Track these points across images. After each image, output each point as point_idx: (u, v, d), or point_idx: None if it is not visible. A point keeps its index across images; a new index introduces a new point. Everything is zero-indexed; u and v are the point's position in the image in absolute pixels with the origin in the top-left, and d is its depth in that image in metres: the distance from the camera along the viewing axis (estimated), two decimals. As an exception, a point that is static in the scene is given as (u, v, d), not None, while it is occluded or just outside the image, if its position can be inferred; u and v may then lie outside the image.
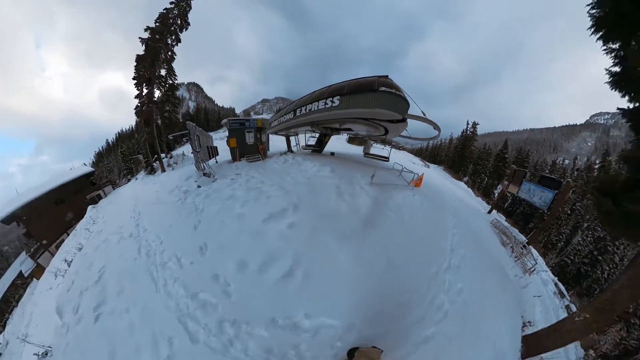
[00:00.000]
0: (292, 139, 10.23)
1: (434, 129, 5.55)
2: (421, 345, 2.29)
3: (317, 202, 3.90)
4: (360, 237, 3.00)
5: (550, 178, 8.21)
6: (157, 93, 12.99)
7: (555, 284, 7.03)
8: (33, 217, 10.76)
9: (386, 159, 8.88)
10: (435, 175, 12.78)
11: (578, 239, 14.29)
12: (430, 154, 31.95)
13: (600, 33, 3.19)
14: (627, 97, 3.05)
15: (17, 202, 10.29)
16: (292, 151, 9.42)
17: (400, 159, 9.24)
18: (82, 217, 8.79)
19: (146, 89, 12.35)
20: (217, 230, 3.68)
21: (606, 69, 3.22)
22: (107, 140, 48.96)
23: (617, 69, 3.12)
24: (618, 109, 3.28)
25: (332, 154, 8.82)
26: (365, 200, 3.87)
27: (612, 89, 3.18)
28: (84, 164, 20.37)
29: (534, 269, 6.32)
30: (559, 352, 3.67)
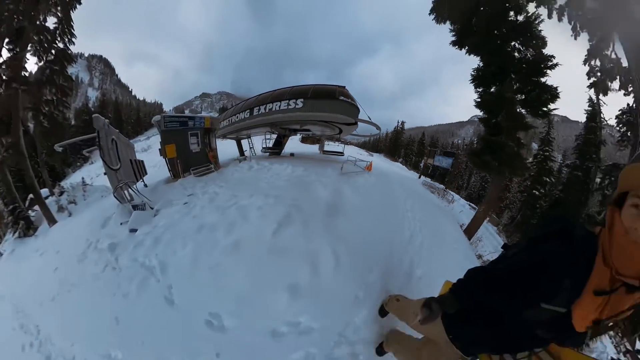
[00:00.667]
0: (243, 142, 9.46)
1: (376, 129, 7.05)
2: (421, 277, 2.70)
3: (312, 198, 3.69)
4: (356, 213, 3.52)
5: (450, 152, 15.89)
6: (32, 63, 6.89)
7: (468, 204, 13.22)
8: None
9: (341, 153, 9.56)
10: (379, 161, 16.48)
11: (473, 179, 26.27)
12: (372, 145, 38.37)
13: (473, 83, 6.28)
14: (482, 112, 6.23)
15: None
16: (244, 156, 8.53)
17: (350, 152, 10.52)
18: None
19: (10, 49, 6.02)
20: (218, 284, 2.24)
21: (474, 99, 6.26)
22: None
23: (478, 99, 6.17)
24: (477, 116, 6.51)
25: (292, 154, 8.63)
26: (345, 187, 4.52)
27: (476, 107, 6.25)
28: None
29: (454, 200, 11.46)
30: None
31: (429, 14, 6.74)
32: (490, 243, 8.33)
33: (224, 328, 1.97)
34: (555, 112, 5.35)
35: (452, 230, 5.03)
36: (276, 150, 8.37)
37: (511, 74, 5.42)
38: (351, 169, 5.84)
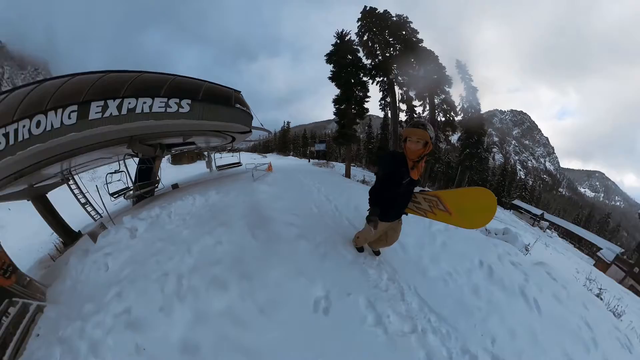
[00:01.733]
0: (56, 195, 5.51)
1: (268, 133, 7.38)
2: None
3: (243, 212, 3.20)
4: (283, 201, 4.01)
5: (322, 140, 30.09)
6: None
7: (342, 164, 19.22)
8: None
9: (239, 164, 8.60)
10: (274, 159, 17.52)
11: (342, 151, 32.66)
12: (263, 147, 39.10)
13: (333, 103, 13.00)
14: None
15: None
16: (80, 232, 5.29)
17: (244, 159, 9.65)
18: None
19: None
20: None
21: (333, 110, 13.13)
22: None
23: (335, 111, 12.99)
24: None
25: (175, 186, 6.24)
26: (262, 188, 4.57)
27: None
28: None
29: (334, 166, 18.06)
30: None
31: (325, 58, 13.06)
32: (360, 174, 14.57)
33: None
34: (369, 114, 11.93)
35: (340, 179, 8.36)
36: (147, 187, 5.47)
37: (352, 100, 12.35)
38: (259, 174, 6.07)
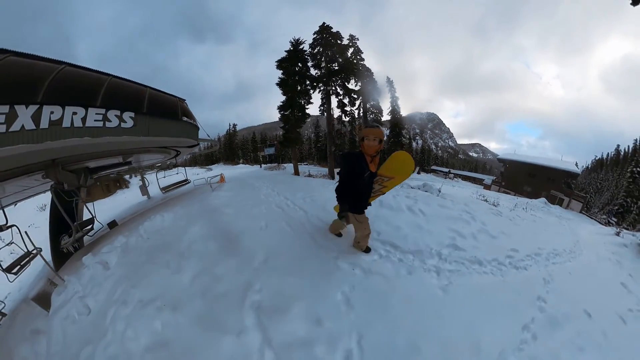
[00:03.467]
0: None
1: (214, 144, 7.64)
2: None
3: (213, 229, 3.31)
4: (243, 210, 4.53)
5: (272, 143, 25.74)
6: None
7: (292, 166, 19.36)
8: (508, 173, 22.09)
9: (187, 181, 7.72)
10: (222, 170, 17.04)
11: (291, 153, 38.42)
12: (205, 158, 35.04)
13: (279, 109, 14.32)
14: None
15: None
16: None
17: (188, 174, 8.56)
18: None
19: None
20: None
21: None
22: (617, 146, 34.31)
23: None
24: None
25: (113, 223, 5.31)
26: (219, 201, 4.91)
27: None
28: (576, 163, 20.47)
29: (285, 167, 19.47)
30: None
31: (275, 64, 14.23)
32: (307, 170, 16.83)
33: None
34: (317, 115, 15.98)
35: (291, 178, 9.46)
36: (77, 234, 4.17)
37: (295, 107, 13.73)
38: (208, 189, 6.11)
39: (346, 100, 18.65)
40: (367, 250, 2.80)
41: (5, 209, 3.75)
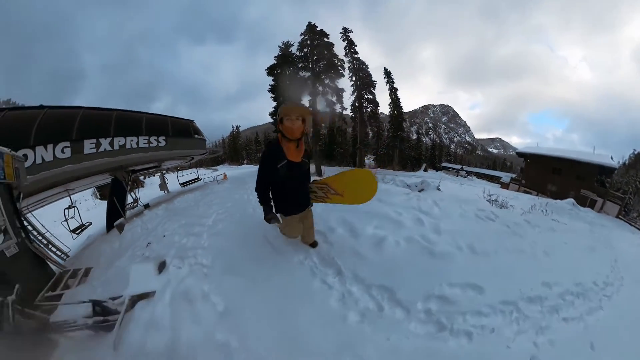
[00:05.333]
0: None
1: (220, 152, 10.76)
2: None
3: (221, 204, 5.04)
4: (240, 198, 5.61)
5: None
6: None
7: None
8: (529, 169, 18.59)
9: (198, 179, 10.21)
10: (226, 170, 19.80)
11: None
12: (212, 159, 38.33)
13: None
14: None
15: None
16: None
17: (199, 174, 11.30)
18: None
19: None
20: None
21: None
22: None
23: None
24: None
25: (147, 205, 7.08)
26: (223, 192, 6.76)
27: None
28: (611, 157, 16.97)
29: None
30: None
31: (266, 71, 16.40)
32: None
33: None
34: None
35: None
36: (115, 214, 5.95)
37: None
38: (221, 181, 8.60)
39: (334, 99, 19.95)
40: (314, 244, 2.54)
41: (71, 196, 6.22)
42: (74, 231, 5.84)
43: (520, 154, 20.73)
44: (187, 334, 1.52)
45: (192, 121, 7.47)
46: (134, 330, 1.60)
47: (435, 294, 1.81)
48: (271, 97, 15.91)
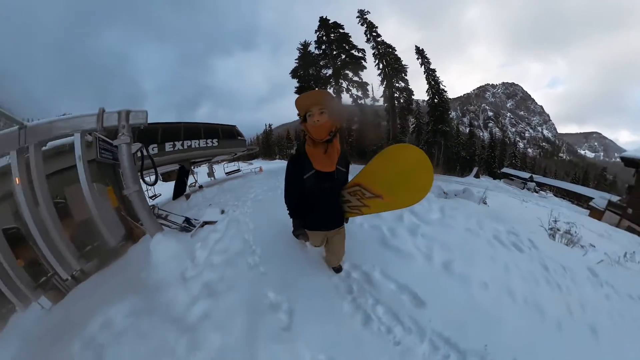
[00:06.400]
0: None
1: (249, 150, 12.53)
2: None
3: (261, 187, 6.81)
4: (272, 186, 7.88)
5: (300, 143, 34.20)
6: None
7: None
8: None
9: (239, 170, 13.67)
10: (260, 164, 22.81)
11: None
12: (247, 155, 43.79)
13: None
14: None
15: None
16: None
17: (239, 166, 15.23)
18: None
19: None
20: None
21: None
22: None
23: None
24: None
25: (201, 186, 10.13)
26: (259, 179, 8.95)
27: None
28: None
29: None
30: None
31: (290, 75, 17.83)
32: None
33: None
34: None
35: None
36: (181, 189, 9.44)
37: None
38: (258, 172, 11.20)
39: (360, 93, 19.39)
40: (338, 269, 2.22)
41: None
42: (151, 198, 9.37)
43: (629, 161, 12.31)
44: (231, 233, 3.38)
45: (234, 126, 10.15)
46: (203, 232, 3.48)
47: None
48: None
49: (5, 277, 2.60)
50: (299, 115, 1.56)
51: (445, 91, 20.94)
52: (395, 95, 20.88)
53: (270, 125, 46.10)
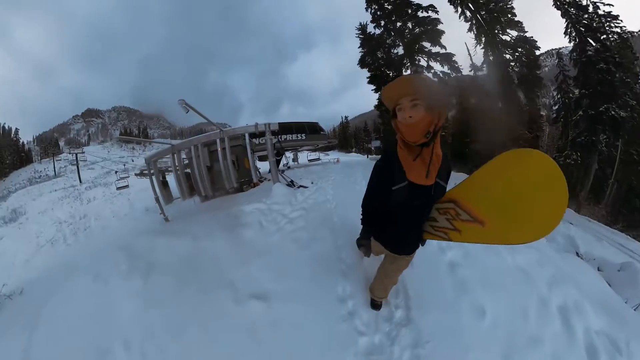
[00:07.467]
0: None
1: (329, 142, 14.79)
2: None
3: (338, 173, 7.73)
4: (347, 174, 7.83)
5: (377, 137, 27.96)
6: None
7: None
8: None
9: (319, 159, 16.73)
10: (336, 156, 26.38)
11: None
12: (324, 146, 48.37)
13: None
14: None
15: None
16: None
17: (305, 157, 17.82)
18: None
19: None
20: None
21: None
22: None
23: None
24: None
25: (289, 167, 14.18)
26: (336, 169, 11.25)
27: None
28: None
29: None
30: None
31: (359, 65, 14.64)
32: None
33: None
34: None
35: None
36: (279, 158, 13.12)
37: None
38: (336, 163, 13.54)
39: (446, 68, 13.02)
40: (377, 306, 1.90)
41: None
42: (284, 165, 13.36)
43: None
44: (318, 193, 5.41)
45: (317, 123, 12.93)
46: (302, 190, 5.68)
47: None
48: (372, 89, 14.21)
49: (182, 188, 6.14)
50: (387, 110, 1.33)
51: (616, 20, 9.44)
52: (507, 57, 12.03)
53: (346, 117, 48.24)
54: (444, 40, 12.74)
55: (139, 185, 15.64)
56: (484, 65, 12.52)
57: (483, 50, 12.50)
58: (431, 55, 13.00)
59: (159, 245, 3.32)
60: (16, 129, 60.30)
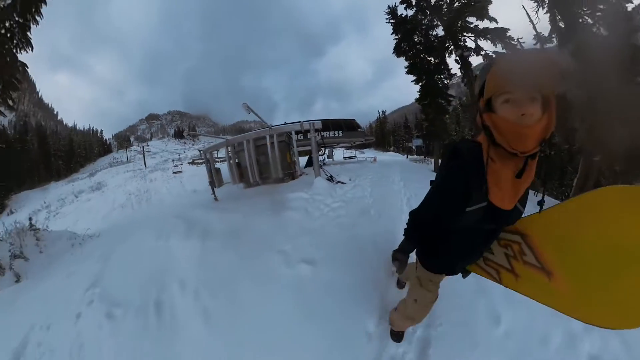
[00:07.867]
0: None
1: (366, 140, 14.75)
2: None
3: (375, 172, 8.18)
4: (384, 173, 8.05)
5: (419, 135, 24.73)
6: None
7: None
8: None
9: (355, 157, 17.09)
10: (372, 154, 25.21)
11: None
12: (358, 145, 47.18)
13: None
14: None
15: None
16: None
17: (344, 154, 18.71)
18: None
19: None
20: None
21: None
22: None
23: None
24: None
25: (325, 163, 14.75)
26: (374, 168, 11.29)
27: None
28: None
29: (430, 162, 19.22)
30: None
31: (394, 54, 12.18)
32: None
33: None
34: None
35: (419, 170, 10.66)
36: (311, 162, 13.63)
37: (433, 93, 11.81)
38: (369, 164, 13.57)
39: (499, 47, 10.21)
40: (398, 337, 1.74)
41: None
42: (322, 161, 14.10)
43: None
44: (356, 189, 5.75)
45: (353, 119, 13.22)
46: (340, 185, 6.12)
47: None
48: (412, 81, 11.97)
49: (234, 174, 6.97)
50: (481, 101, 0.90)
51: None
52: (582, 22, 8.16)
53: (384, 112, 43.74)
54: (492, 10, 10.00)
55: (190, 171, 18.39)
56: (554, 36, 8.27)
57: (548, 14, 8.19)
58: (479, 33, 10.43)
59: (213, 217, 3.83)
60: (100, 130, 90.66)
